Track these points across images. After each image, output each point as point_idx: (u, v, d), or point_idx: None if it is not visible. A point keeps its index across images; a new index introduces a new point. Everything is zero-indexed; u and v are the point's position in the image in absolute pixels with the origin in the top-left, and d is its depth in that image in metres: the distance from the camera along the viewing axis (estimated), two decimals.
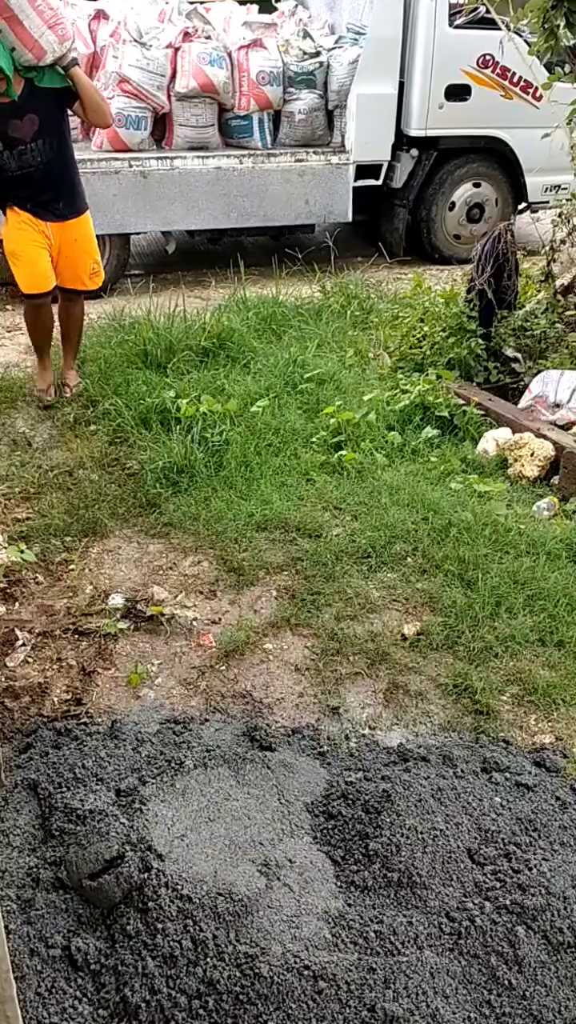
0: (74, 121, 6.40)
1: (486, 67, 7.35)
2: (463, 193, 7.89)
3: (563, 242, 5.46)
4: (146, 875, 2.14)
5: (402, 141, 7.55)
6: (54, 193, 4.54)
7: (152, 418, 4.56)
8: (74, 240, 4.68)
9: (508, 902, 2.20)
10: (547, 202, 7.76)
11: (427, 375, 4.97)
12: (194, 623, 3.32)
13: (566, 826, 2.47)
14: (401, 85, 7.37)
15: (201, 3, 7.53)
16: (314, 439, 4.51)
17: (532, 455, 4.32)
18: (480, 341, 5.18)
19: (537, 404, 4.76)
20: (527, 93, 7.41)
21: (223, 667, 3.12)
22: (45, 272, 4.69)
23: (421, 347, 5.32)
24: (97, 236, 6.71)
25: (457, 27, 7.24)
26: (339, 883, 2.29)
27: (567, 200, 6.00)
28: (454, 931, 2.16)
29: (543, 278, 5.55)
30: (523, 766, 2.68)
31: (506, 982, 2.07)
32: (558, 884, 2.25)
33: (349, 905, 2.23)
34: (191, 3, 7.41)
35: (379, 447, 4.44)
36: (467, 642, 3.22)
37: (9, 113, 4.26)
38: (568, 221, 5.49)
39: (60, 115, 4.46)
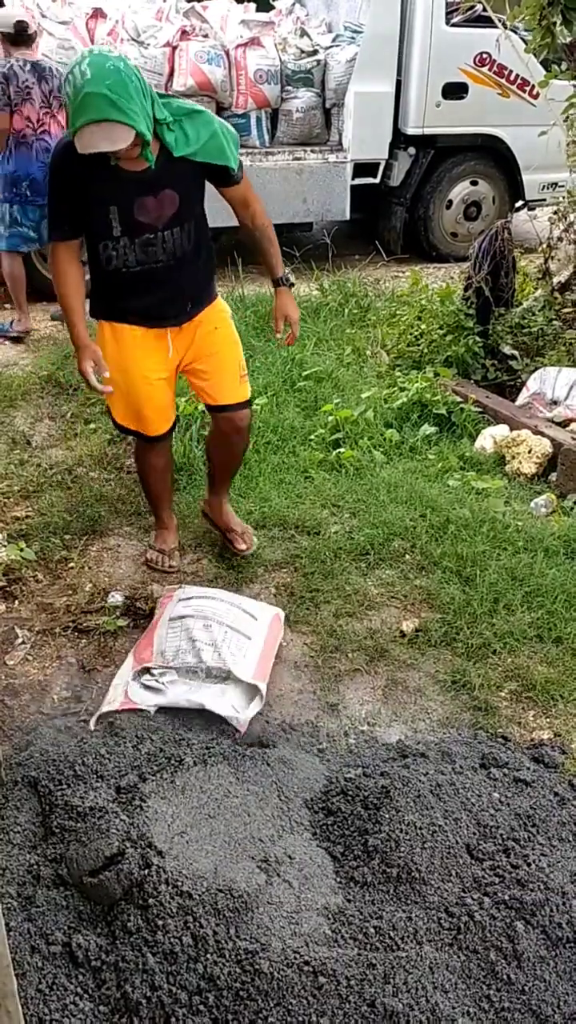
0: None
1: (483, 65, 7.36)
2: (460, 191, 7.91)
3: (560, 239, 5.48)
4: (146, 872, 2.14)
5: (399, 139, 7.56)
6: (181, 299, 3.17)
7: None
8: (214, 329, 3.26)
9: (507, 897, 2.21)
10: (544, 200, 7.77)
11: (425, 373, 4.97)
12: None
13: (564, 821, 2.47)
14: (398, 83, 7.38)
15: (199, 1, 7.53)
16: (312, 437, 4.52)
17: (530, 452, 4.32)
18: (477, 339, 5.19)
19: (534, 401, 4.77)
20: (524, 91, 7.42)
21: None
22: (163, 406, 3.37)
23: (419, 345, 5.33)
24: None
25: (454, 25, 7.25)
26: (338, 879, 2.30)
27: (564, 198, 6.01)
28: (453, 926, 2.17)
29: (540, 275, 5.56)
30: (521, 762, 2.69)
31: (505, 977, 2.08)
32: (557, 879, 2.26)
33: (348, 901, 2.23)
34: (188, 1, 7.41)
35: (377, 444, 4.45)
36: (465, 639, 3.23)
37: (139, 188, 2.92)
38: (565, 218, 5.50)
39: (202, 191, 3.10)
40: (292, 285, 3.32)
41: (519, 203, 7.90)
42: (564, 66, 5.14)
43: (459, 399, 4.80)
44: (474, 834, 2.41)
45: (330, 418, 4.57)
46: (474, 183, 7.93)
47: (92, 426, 4.67)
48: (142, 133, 2.70)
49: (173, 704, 2.80)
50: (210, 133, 2.92)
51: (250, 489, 4.05)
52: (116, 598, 3.39)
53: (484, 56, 7.30)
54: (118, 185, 2.88)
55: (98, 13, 7.18)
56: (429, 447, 4.50)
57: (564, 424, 4.53)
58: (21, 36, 5.55)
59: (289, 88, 7.19)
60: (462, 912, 2.19)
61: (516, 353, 5.24)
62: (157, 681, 2.85)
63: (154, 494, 3.62)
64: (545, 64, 5.79)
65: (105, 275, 3.08)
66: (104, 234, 2.97)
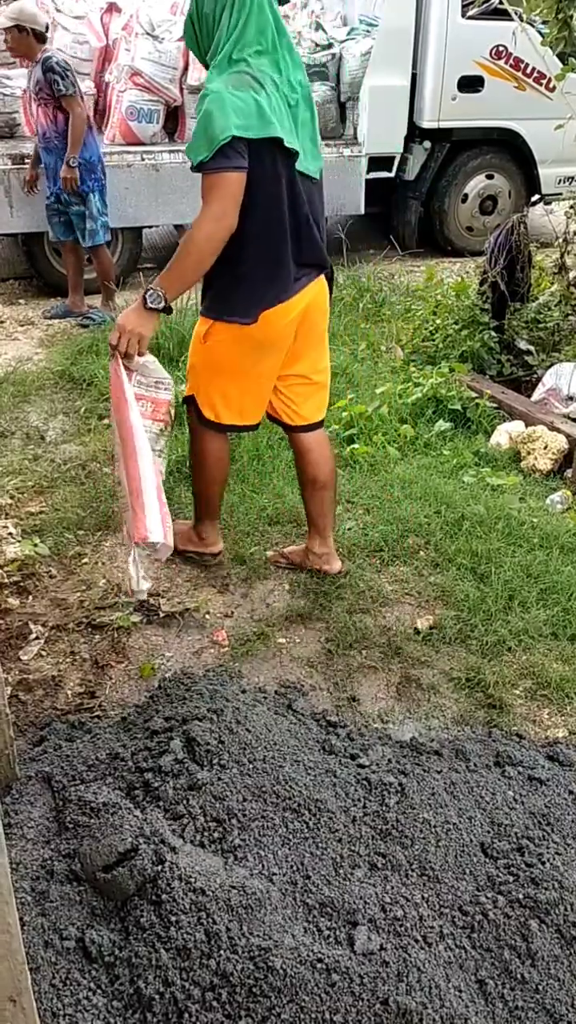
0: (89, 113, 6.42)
1: (499, 58, 7.33)
2: (476, 185, 7.88)
3: None
4: (160, 868, 2.14)
5: (415, 133, 7.54)
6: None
7: None
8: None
9: (521, 896, 2.20)
10: (560, 194, 7.73)
11: (440, 368, 4.96)
12: (207, 617, 3.32)
13: None
14: (414, 77, 7.35)
15: None
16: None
17: (545, 448, 4.30)
18: (493, 334, 5.17)
19: (550, 397, 4.74)
20: (540, 84, 7.39)
21: (235, 661, 3.12)
22: None
23: (433, 340, 5.31)
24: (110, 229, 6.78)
25: (470, 18, 7.22)
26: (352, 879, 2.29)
27: None
28: (467, 925, 2.16)
29: (556, 270, 5.53)
30: (536, 760, 2.68)
31: (519, 976, 2.07)
32: (572, 878, 2.24)
33: (361, 899, 2.23)
34: None
35: (392, 440, 4.44)
36: (480, 636, 3.21)
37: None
38: None
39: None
40: (150, 307, 2.78)
41: (535, 197, 7.86)
42: None
43: (474, 394, 4.78)
44: (488, 832, 2.40)
45: (344, 414, 4.56)
46: (490, 177, 7.89)
47: (106, 421, 4.67)
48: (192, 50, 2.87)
49: None
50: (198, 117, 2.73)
51: (264, 485, 4.04)
52: None
53: (500, 49, 7.27)
54: None
55: (112, 7, 7.19)
56: (444, 443, 4.48)
57: None
58: (46, 34, 5.87)
59: None
60: (476, 911, 2.18)
61: (532, 348, 5.21)
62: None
63: (218, 491, 3.46)
64: (562, 57, 5.75)
65: None
66: None
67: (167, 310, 2.81)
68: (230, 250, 2.80)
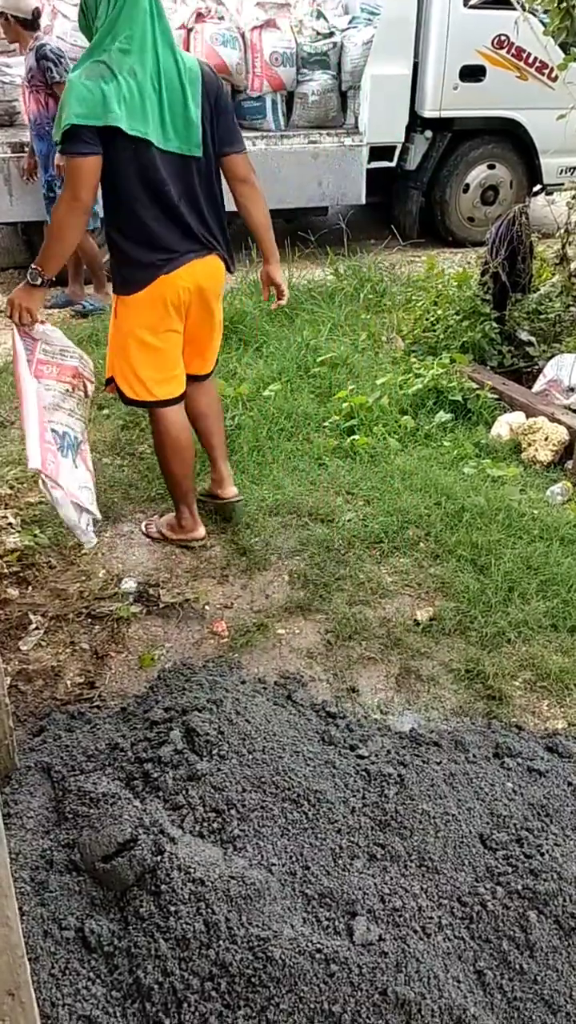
0: None
1: (501, 48, 7.30)
2: (477, 175, 7.85)
3: None
4: (159, 858, 2.14)
5: (416, 122, 7.51)
6: None
7: None
8: None
9: (520, 887, 2.20)
10: (562, 184, 7.71)
11: (440, 359, 4.94)
12: (206, 608, 3.32)
13: None
14: (415, 66, 7.31)
15: None
16: (327, 423, 4.50)
17: (546, 439, 4.29)
18: (494, 324, 5.15)
19: (551, 388, 4.74)
20: (542, 74, 7.36)
21: (235, 652, 3.12)
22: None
23: (434, 330, 5.29)
24: None
25: (472, 7, 7.19)
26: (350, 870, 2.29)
27: None
28: (466, 916, 2.17)
29: (558, 261, 5.51)
30: (535, 751, 2.68)
31: (518, 967, 2.07)
32: (570, 869, 2.25)
33: (361, 890, 2.23)
34: None
35: (392, 431, 4.43)
36: (480, 627, 3.21)
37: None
38: None
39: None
40: (31, 283, 3.13)
41: (537, 187, 7.84)
42: None
43: (475, 386, 4.77)
44: (487, 823, 2.40)
45: (344, 404, 4.55)
46: (491, 167, 7.86)
47: (105, 412, 4.67)
48: None
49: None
50: None
51: (264, 476, 4.04)
52: (129, 584, 3.39)
53: (502, 38, 7.23)
54: None
55: None
56: (444, 434, 4.47)
57: None
58: (36, 21, 5.79)
59: (305, 71, 7.14)
60: (475, 901, 2.19)
61: (533, 339, 5.20)
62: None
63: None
64: (564, 47, 5.72)
65: None
66: None
67: (47, 284, 3.15)
68: (110, 230, 3.17)
